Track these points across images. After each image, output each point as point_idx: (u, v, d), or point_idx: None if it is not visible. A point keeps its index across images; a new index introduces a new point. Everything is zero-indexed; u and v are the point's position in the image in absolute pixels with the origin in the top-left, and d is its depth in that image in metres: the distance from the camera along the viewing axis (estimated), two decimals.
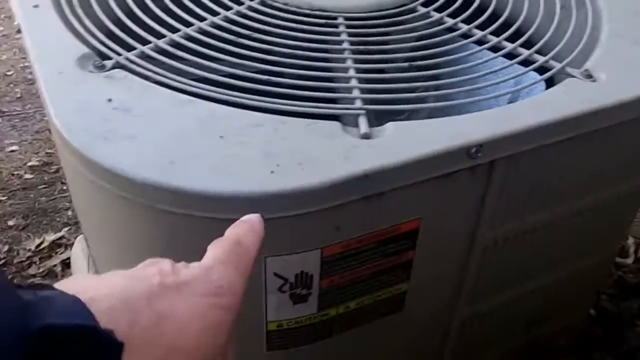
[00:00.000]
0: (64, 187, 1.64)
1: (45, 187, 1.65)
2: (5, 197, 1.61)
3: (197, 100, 0.50)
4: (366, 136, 0.49)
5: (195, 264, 0.32)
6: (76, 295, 0.25)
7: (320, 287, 0.53)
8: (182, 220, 0.45)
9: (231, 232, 0.36)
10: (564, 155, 0.57)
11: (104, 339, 0.25)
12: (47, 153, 1.78)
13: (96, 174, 0.46)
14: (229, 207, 0.43)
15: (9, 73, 2.17)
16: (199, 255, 0.41)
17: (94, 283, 0.28)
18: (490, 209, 0.57)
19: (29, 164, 1.74)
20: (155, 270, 0.31)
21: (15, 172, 1.70)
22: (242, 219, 0.37)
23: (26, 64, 2.22)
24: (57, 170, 1.71)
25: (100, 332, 0.24)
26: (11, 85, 2.11)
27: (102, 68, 0.52)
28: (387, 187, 0.48)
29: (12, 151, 1.79)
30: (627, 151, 0.64)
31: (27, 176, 1.69)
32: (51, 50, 0.54)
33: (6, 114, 1.95)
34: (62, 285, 0.27)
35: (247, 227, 0.36)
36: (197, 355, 0.29)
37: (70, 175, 0.59)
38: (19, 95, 2.05)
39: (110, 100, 0.49)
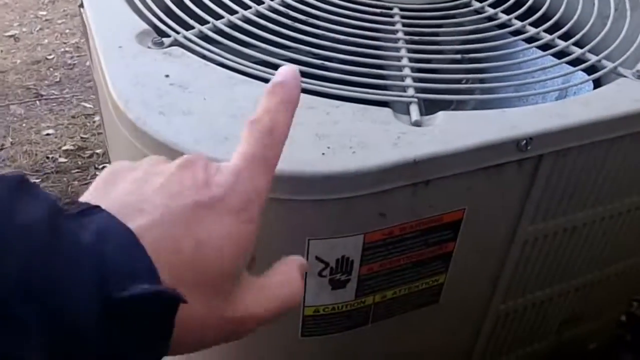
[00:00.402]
0: (97, 172, 1.67)
1: (78, 172, 1.68)
2: (39, 180, 1.65)
3: (253, 80, 0.51)
4: (417, 124, 0.49)
5: (226, 168, 0.31)
6: (128, 230, 0.26)
7: (360, 273, 0.53)
8: None
9: (265, 114, 0.34)
10: (611, 154, 0.57)
11: (173, 299, 0.26)
12: (82, 138, 1.81)
13: (149, 147, 0.47)
14: (279, 185, 0.44)
15: (49, 57, 2.22)
16: None
17: (133, 200, 0.29)
18: (533, 204, 0.57)
19: (64, 147, 1.77)
20: (190, 179, 0.30)
21: (50, 156, 1.74)
22: (279, 81, 0.34)
23: (67, 49, 2.27)
24: (91, 155, 1.74)
25: (170, 294, 0.25)
26: (51, 69, 2.15)
27: (160, 45, 0.54)
28: (434, 175, 0.48)
29: (48, 134, 1.82)
30: None
31: (62, 160, 1.72)
32: (112, 25, 0.56)
33: (44, 97, 1.99)
34: (103, 200, 0.28)
35: (283, 102, 0.34)
36: (231, 273, 0.29)
37: (120, 151, 0.60)
38: (57, 80, 2.09)
39: (167, 76, 0.50)
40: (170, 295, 0.25)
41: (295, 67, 0.36)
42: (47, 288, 0.23)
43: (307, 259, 0.50)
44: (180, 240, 0.28)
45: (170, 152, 0.45)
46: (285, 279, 0.33)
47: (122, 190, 0.29)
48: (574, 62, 0.63)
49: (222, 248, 0.29)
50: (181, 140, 0.45)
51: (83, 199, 0.29)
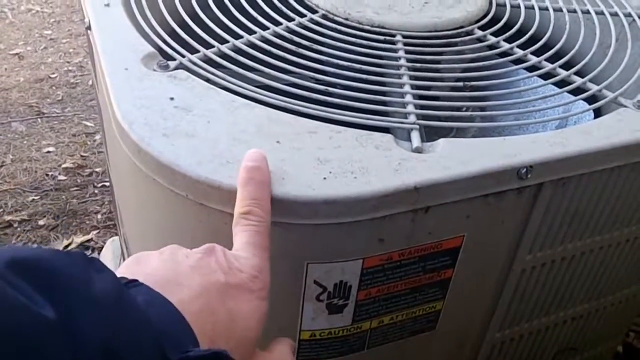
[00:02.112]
0: (96, 191, 1.67)
1: (77, 190, 1.69)
2: (38, 197, 1.65)
3: (256, 105, 0.51)
4: (418, 150, 0.50)
5: (242, 258, 0.38)
6: (169, 302, 0.30)
7: (357, 298, 0.53)
8: (233, 220, 0.46)
9: (254, 205, 0.41)
10: (610, 183, 0.57)
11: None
12: (81, 156, 1.82)
13: (152, 168, 0.47)
14: (279, 209, 0.44)
15: (52, 75, 2.24)
16: None
17: (170, 276, 0.33)
18: (532, 232, 0.57)
19: (64, 165, 1.78)
20: (215, 264, 0.36)
21: (50, 173, 1.75)
22: (256, 166, 0.43)
23: (70, 68, 2.29)
24: (90, 174, 1.75)
25: (226, 355, 0.30)
26: (53, 87, 2.17)
27: (166, 68, 0.54)
28: (434, 201, 0.48)
29: (48, 152, 1.84)
30: None
31: (61, 177, 1.73)
32: (118, 47, 0.56)
33: (46, 115, 2.01)
34: (139, 275, 0.32)
35: (262, 184, 0.42)
36: (253, 342, 0.35)
37: (123, 171, 0.61)
38: (60, 98, 2.11)
39: (172, 98, 0.51)
40: (226, 356, 0.30)
41: (260, 150, 0.44)
42: (120, 347, 0.26)
43: (306, 282, 0.50)
44: (217, 313, 0.33)
45: (172, 174, 0.46)
46: (281, 357, 0.40)
47: (157, 267, 0.34)
48: (575, 92, 0.64)
49: (249, 320, 0.35)
50: (183, 162, 0.45)
51: (117, 274, 0.32)
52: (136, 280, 0.31)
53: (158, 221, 0.55)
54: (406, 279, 0.54)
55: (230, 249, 0.46)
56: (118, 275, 0.31)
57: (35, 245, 1.49)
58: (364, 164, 0.47)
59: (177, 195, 0.47)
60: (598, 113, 0.65)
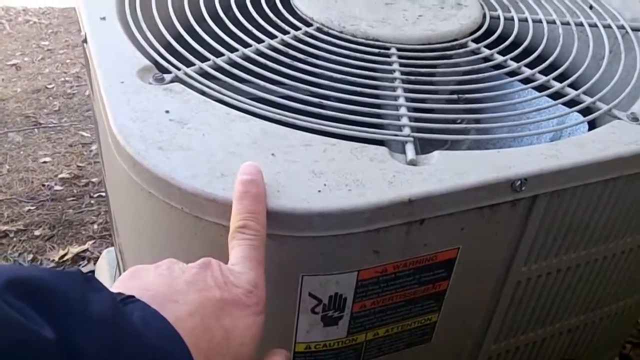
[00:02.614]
0: (92, 201, 1.67)
1: (73, 200, 1.69)
2: (34, 207, 1.65)
3: (251, 117, 0.52)
4: (412, 163, 0.50)
5: (239, 273, 0.39)
6: (165, 319, 0.31)
7: (352, 310, 0.53)
8: (228, 232, 0.46)
9: (250, 218, 0.41)
10: (605, 195, 0.57)
11: None
12: (78, 166, 1.82)
13: (147, 181, 0.47)
14: (274, 222, 0.44)
15: (49, 86, 2.24)
16: None
17: (165, 291, 0.33)
18: (527, 244, 0.57)
19: (60, 175, 1.78)
20: (211, 279, 0.36)
21: (46, 183, 1.75)
22: (251, 179, 0.43)
23: (67, 79, 2.30)
24: (86, 184, 1.75)
25: None
26: (50, 98, 2.18)
27: (161, 81, 0.54)
28: (429, 214, 0.48)
29: (45, 162, 1.84)
30: None
31: (57, 188, 1.73)
32: (114, 60, 0.56)
33: (42, 125, 2.01)
34: (134, 290, 0.32)
35: (258, 197, 0.42)
36: (249, 358, 0.35)
37: (118, 183, 0.61)
38: (56, 108, 2.11)
39: (167, 111, 0.51)
40: None
41: (255, 163, 0.44)
42: None
43: (300, 295, 0.50)
44: (212, 330, 0.33)
45: (168, 187, 0.46)
46: None
47: (153, 283, 0.35)
48: (569, 104, 0.64)
49: (244, 336, 0.35)
50: (178, 175, 0.45)
51: (113, 289, 0.33)
52: (132, 297, 0.31)
53: (153, 233, 0.55)
54: (401, 291, 0.54)
55: (225, 261, 0.46)
56: (114, 291, 0.32)
57: (31, 257, 1.48)
58: (358, 177, 0.47)
59: (172, 208, 0.47)
60: (593, 125, 0.65)
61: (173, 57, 0.59)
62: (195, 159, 0.47)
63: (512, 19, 0.78)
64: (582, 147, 0.55)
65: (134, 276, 0.36)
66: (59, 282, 0.27)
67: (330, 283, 0.50)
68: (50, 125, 2.02)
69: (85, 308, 0.27)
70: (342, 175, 0.47)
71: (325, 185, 0.46)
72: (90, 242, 1.54)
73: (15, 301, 0.24)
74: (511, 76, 0.67)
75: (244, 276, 0.39)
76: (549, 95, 0.65)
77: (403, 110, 0.57)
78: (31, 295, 0.25)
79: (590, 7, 0.84)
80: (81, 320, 0.26)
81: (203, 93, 0.55)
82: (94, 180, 1.76)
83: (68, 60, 2.44)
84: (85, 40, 0.61)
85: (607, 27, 0.78)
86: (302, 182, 0.46)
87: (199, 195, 0.45)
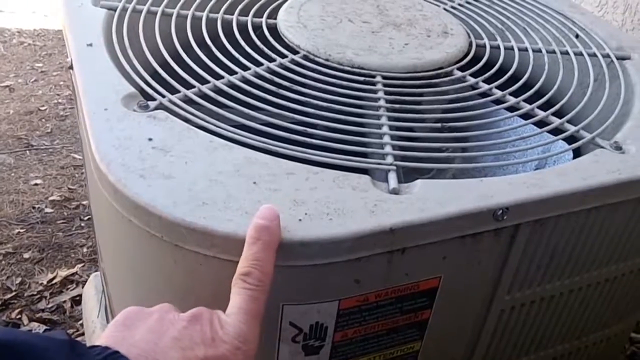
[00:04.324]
0: (82, 224, 1.67)
1: (63, 222, 1.68)
2: (24, 230, 1.64)
3: (235, 145, 0.52)
4: (395, 191, 0.50)
5: (230, 325, 0.39)
6: None
7: (334, 340, 0.53)
8: (209, 262, 0.46)
9: (255, 266, 0.41)
10: (588, 224, 0.57)
11: None
12: (69, 189, 1.82)
13: (128, 209, 0.47)
14: None
15: (42, 108, 2.24)
16: (222, 296, 0.42)
17: (150, 349, 0.34)
18: (510, 273, 0.57)
19: (51, 198, 1.77)
20: (199, 335, 0.37)
21: (37, 205, 1.74)
22: (265, 225, 0.42)
23: (60, 101, 2.30)
24: (77, 207, 1.74)
25: None
26: (43, 120, 2.18)
27: (145, 108, 0.55)
28: (411, 243, 0.48)
29: (36, 184, 1.83)
30: None
31: (48, 210, 1.72)
32: (99, 87, 0.57)
33: (34, 147, 2.01)
34: (122, 343, 0.34)
35: (268, 246, 0.42)
36: None
37: (100, 209, 0.61)
38: (49, 130, 2.11)
39: (150, 139, 0.51)
40: None
41: (274, 208, 0.43)
42: None
43: (281, 324, 0.50)
44: None
45: (148, 215, 0.46)
46: None
47: (140, 338, 0.35)
48: (555, 132, 0.65)
49: None
50: (159, 203, 0.45)
51: (104, 335, 0.35)
52: (118, 352, 0.32)
53: (134, 260, 0.54)
54: (383, 320, 0.53)
55: (205, 289, 0.46)
56: (105, 336, 0.34)
57: (19, 280, 1.47)
58: (340, 206, 0.47)
59: (152, 236, 0.47)
60: (578, 153, 0.66)
61: (159, 84, 0.59)
62: (177, 187, 0.47)
63: (498, 47, 0.79)
64: (564, 175, 0.55)
65: (126, 325, 0.37)
66: (46, 347, 0.28)
67: (311, 312, 0.49)
68: (42, 147, 2.02)
69: None
70: (324, 204, 0.47)
71: (306, 214, 0.46)
72: (80, 266, 1.53)
73: None
74: (497, 104, 0.67)
75: (234, 330, 0.39)
76: (534, 123, 0.66)
77: (387, 139, 0.57)
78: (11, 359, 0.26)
79: (577, 36, 0.85)
80: None
81: (187, 120, 0.55)
82: (84, 202, 1.76)
83: (61, 82, 2.45)
84: (71, 67, 0.61)
85: (593, 55, 0.79)
86: (283, 211, 0.46)
87: (179, 224, 0.45)
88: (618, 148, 0.61)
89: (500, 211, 0.51)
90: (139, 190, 0.46)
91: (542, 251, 0.56)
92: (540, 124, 0.66)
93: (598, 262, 0.62)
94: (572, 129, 0.64)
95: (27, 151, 1.99)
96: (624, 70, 0.77)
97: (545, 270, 0.59)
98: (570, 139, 0.65)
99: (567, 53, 0.79)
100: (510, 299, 0.59)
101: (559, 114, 0.67)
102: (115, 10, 0.71)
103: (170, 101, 0.56)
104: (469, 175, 0.60)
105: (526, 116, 0.67)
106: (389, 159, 0.54)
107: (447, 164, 0.63)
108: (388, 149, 0.55)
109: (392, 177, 0.51)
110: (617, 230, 0.60)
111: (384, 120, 0.60)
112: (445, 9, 0.87)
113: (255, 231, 0.42)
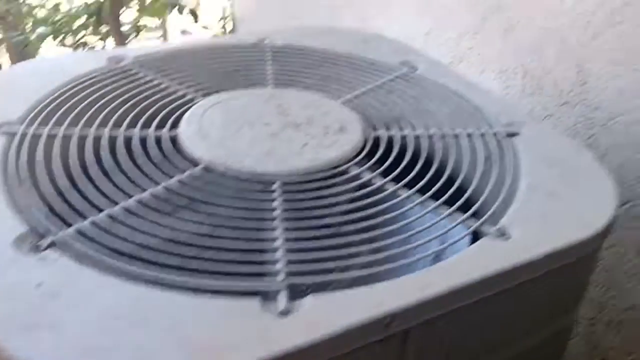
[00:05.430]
0: None
1: None
2: None
3: (125, 284, 0.52)
4: (284, 312, 0.51)
5: None
6: None
7: None
8: None
9: None
10: (477, 316, 0.59)
11: None
12: None
13: None
14: None
15: None
16: None
17: None
18: None
19: None
20: None
21: None
22: None
23: None
24: None
25: None
26: None
27: (37, 249, 0.55)
28: None
29: None
30: (545, 300, 0.67)
31: None
32: None
33: None
34: None
35: None
36: None
37: None
38: None
39: (39, 285, 0.51)
40: None
41: None
42: None
43: None
44: None
45: None
46: None
47: None
48: (450, 219, 0.67)
49: None
50: (42, 359, 0.45)
51: None
52: None
53: None
54: None
55: None
56: None
57: None
58: (228, 340, 0.48)
59: None
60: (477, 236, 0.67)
61: (55, 217, 0.60)
62: (60, 337, 0.46)
63: (392, 137, 0.82)
64: (447, 272, 0.57)
65: None
66: None
67: None
68: None
69: None
70: (211, 340, 0.48)
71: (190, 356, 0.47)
72: None
73: None
74: (392, 197, 0.69)
75: None
76: (432, 212, 0.68)
77: (279, 254, 0.58)
78: None
79: (470, 115, 0.89)
80: None
81: (79, 256, 0.55)
82: None
83: None
84: None
85: (482, 135, 0.83)
86: (167, 353, 0.46)
87: None
88: (501, 234, 0.63)
89: (388, 319, 0.52)
90: (21, 344, 0.45)
91: (437, 350, 0.58)
92: (437, 212, 0.68)
93: (493, 348, 0.64)
94: (459, 218, 0.67)
95: None
96: (511, 148, 0.81)
97: None
98: (465, 226, 0.67)
99: (457, 136, 0.83)
100: None
101: (453, 200, 0.70)
102: (14, 136, 0.71)
103: (63, 237, 0.57)
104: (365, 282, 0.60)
105: (425, 206, 0.69)
106: (281, 277, 0.55)
107: (341, 275, 0.62)
108: (280, 265, 0.57)
109: (282, 298, 0.53)
110: (505, 316, 0.62)
111: (279, 232, 0.61)
112: (343, 102, 0.90)
113: None
